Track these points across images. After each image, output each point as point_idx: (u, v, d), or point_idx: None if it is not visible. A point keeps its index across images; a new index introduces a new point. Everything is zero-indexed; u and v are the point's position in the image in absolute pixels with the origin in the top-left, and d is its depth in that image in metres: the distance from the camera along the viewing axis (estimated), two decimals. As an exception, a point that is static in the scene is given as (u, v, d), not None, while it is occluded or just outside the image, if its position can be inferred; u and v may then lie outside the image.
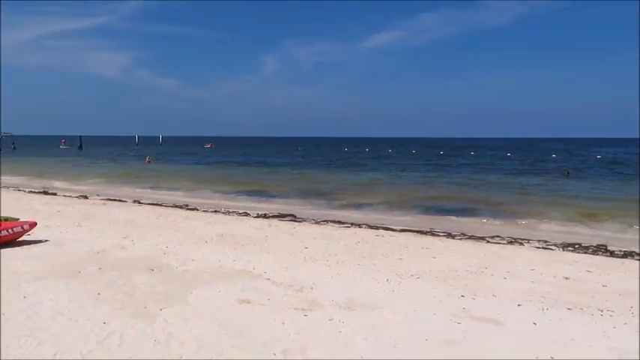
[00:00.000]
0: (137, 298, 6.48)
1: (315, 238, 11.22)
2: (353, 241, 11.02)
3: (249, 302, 6.39)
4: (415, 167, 42.35)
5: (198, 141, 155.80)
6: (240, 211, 16.82)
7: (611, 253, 10.83)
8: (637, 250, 11.15)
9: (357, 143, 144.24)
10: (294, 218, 15.58)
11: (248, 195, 22.29)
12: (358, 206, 18.86)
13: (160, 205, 18.06)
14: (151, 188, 25.03)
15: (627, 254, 10.75)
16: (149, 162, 46.88)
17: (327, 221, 14.90)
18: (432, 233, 13.06)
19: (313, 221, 14.95)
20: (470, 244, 11.45)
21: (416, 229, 13.76)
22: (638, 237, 13.42)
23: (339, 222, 14.79)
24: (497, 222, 16.06)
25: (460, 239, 12.23)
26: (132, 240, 10.41)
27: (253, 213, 16.45)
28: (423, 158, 57.30)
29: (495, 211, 18.23)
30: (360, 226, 14.02)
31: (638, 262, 9.89)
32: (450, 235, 12.76)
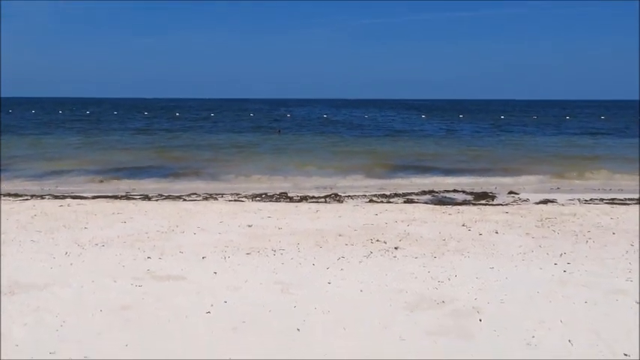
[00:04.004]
0: None
1: (-24, 217, 9.34)
2: (29, 215, 9.59)
3: None
4: (111, 131, 39.07)
5: None
6: None
7: (290, 199, 12.32)
8: (310, 194, 13.00)
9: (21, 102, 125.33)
10: (-49, 196, 12.67)
11: None
12: (43, 175, 16.64)
13: None
14: None
15: (302, 198, 12.38)
16: None
17: (-2, 195, 12.63)
18: (127, 197, 12.48)
19: (-20, 197, 12.47)
20: (166, 204, 11.33)
21: (110, 194, 12.97)
22: (314, 184, 15.77)
23: (16, 195, 12.74)
24: (198, 180, 16.50)
25: (156, 200, 12.05)
26: None
27: None
28: (123, 120, 54.29)
29: (199, 169, 18.65)
30: (42, 197, 12.36)
31: (311, 204, 11.50)
32: (146, 198, 12.44)
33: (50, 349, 4.19)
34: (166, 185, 15.30)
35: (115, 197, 12.41)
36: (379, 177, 17.15)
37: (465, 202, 12.02)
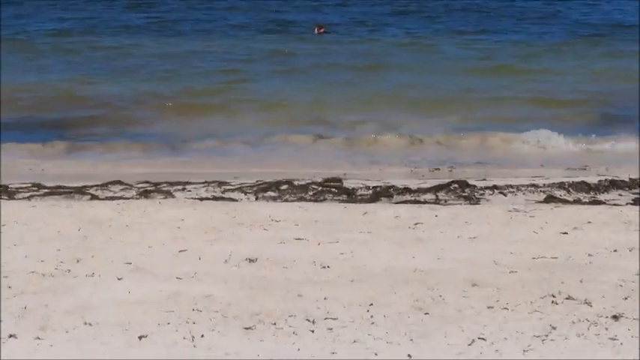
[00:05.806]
0: None
1: None
2: None
3: None
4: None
5: None
6: None
7: (349, 195, 12.26)
8: (397, 184, 12.79)
9: None
10: None
11: None
12: None
13: None
14: None
15: (377, 194, 12.22)
16: None
17: None
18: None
19: None
20: (52, 206, 11.70)
21: None
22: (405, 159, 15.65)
23: None
24: (129, 151, 16.87)
25: (28, 198, 12.57)
26: None
27: None
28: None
29: (134, 128, 19.37)
30: None
31: (399, 206, 11.25)
32: (5, 191, 12.92)
33: None
34: (54, 162, 15.53)
35: None
36: (564, 142, 16.99)
37: None
